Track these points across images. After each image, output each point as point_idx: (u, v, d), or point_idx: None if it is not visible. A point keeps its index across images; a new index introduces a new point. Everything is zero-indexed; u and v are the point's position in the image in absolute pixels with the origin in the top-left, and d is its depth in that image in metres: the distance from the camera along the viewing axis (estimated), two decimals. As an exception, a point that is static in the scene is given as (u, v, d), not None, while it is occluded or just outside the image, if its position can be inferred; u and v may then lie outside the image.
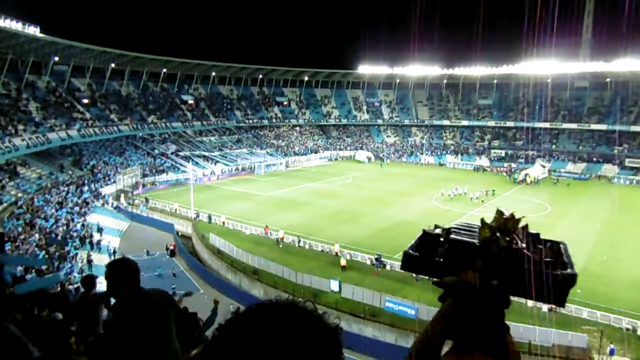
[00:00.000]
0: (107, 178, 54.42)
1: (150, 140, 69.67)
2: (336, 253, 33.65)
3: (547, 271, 1.31)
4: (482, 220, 1.49)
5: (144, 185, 55.86)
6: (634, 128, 74.52)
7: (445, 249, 1.45)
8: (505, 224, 1.46)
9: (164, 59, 73.93)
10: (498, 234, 1.42)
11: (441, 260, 1.45)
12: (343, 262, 31.41)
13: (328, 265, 32.11)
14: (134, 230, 44.22)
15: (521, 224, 1.53)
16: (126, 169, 57.12)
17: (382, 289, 27.74)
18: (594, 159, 74.14)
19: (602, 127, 78.07)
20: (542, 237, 1.59)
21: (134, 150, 65.31)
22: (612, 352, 21.17)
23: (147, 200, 49.86)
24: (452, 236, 1.46)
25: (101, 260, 34.06)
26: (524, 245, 1.39)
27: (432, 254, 1.46)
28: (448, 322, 1.40)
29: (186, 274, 35.24)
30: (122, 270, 2.83)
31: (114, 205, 49.34)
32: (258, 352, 0.91)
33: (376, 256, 31.78)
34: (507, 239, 1.39)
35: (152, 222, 45.66)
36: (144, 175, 58.26)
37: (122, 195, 51.84)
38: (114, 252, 35.98)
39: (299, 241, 36.24)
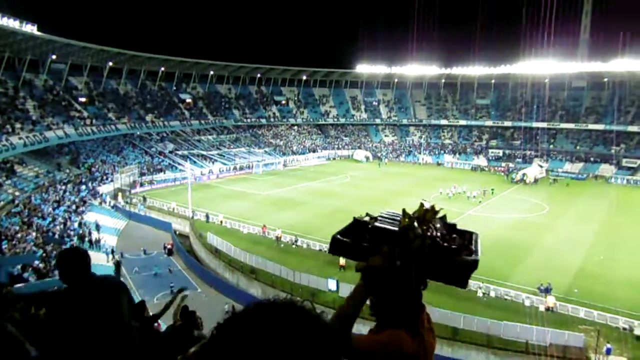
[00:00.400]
0: (104, 177, 54.30)
1: (148, 139, 69.56)
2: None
3: (453, 257, 1.45)
4: (404, 210, 1.66)
5: (141, 184, 55.79)
6: (631, 128, 74.73)
7: (369, 236, 1.59)
8: (424, 215, 1.60)
9: (162, 58, 73.78)
10: (415, 223, 1.55)
11: (365, 245, 1.58)
12: (342, 261, 31.40)
13: (326, 265, 32.11)
14: (132, 229, 44.15)
15: (439, 215, 1.67)
16: (124, 167, 57.02)
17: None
18: (591, 159, 74.33)
19: (600, 127, 78.27)
20: (459, 228, 1.77)
21: (131, 149, 65.20)
22: (608, 352, 21.23)
23: (144, 199, 49.78)
24: (376, 224, 1.60)
25: (99, 259, 34.00)
26: (437, 233, 1.52)
27: (358, 239, 1.60)
28: (360, 301, 1.57)
29: (184, 273, 35.23)
30: (72, 257, 2.93)
31: (112, 204, 49.24)
32: (256, 351, 0.91)
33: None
34: (424, 227, 1.51)
35: (150, 221, 45.59)
36: (142, 174, 58.17)
37: (120, 194, 51.74)
38: (112, 251, 35.93)
39: (296, 240, 36.25)
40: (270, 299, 1.03)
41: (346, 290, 27.68)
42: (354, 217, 1.65)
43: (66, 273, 2.91)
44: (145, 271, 34.33)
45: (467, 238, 1.71)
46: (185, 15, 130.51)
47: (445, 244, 1.50)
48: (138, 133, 68.71)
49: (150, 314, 7.47)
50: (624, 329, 23.36)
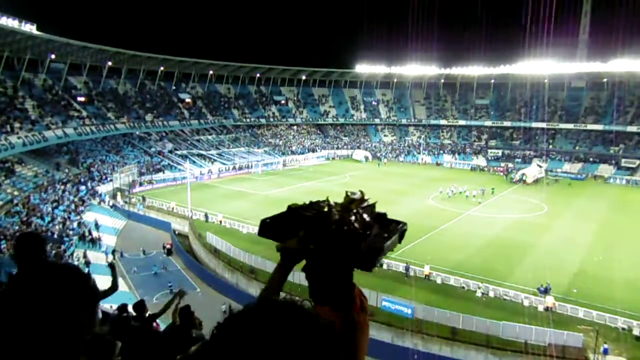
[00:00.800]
0: (103, 176, 54.28)
1: (147, 139, 69.52)
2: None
3: (359, 241, 1.54)
4: (327, 199, 1.81)
5: (140, 184, 55.76)
6: (630, 128, 74.79)
7: (291, 220, 1.74)
8: (349, 203, 1.74)
9: (161, 57, 73.74)
10: (333, 210, 1.69)
11: (287, 229, 1.74)
12: None
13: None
14: (131, 229, 44.13)
15: (368, 204, 1.81)
16: (123, 167, 57.00)
17: (379, 288, 27.76)
18: (591, 159, 74.39)
19: (599, 127, 78.35)
20: (389, 217, 1.88)
21: (130, 149, 65.16)
22: (605, 352, 21.26)
23: (143, 198, 49.75)
24: (300, 211, 1.73)
25: (98, 259, 34.00)
26: (353, 219, 1.62)
27: (284, 224, 1.73)
28: (278, 279, 1.71)
29: (183, 273, 35.21)
30: (27, 241, 2.94)
31: (111, 204, 49.21)
32: (257, 351, 0.92)
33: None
34: (345, 214, 1.65)
35: (149, 220, 45.57)
36: (141, 174, 58.14)
37: (119, 193, 51.72)
38: (113, 251, 35.91)
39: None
40: (269, 298, 1.07)
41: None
42: (288, 206, 1.76)
43: (20, 257, 2.92)
44: (144, 271, 34.31)
45: (390, 227, 1.80)
46: (185, 15, 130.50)
47: (352, 228, 1.60)
48: (137, 133, 68.67)
49: (149, 313, 7.47)
50: (623, 329, 23.40)
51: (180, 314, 6.18)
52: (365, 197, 1.86)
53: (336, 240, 1.61)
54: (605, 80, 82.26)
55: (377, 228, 1.80)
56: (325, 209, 1.74)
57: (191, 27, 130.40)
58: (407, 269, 30.86)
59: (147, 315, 7.30)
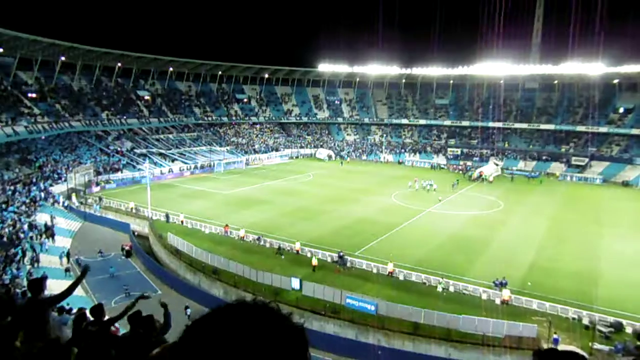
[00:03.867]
0: (57, 176, 52.03)
1: (105, 137, 67.16)
2: (297, 251, 33.66)
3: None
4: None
5: (97, 184, 53.84)
6: (579, 128, 78.58)
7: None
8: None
9: (119, 53, 71.40)
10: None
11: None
12: (314, 261, 31.34)
13: (289, 264, 32.08)
14: (87, 231, 42.58)
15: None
16: (78, 166, 54.79)
17: (343, 286, 27.98)
18: (543, 158, 77.67)
19: (551, 127, 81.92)
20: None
21: (86, 148, 62.73)
22: (556, 342, 22.25)
23: (100, 199, 48.07)
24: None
25: (50, 262, 32.61)
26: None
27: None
28: None
29: (143, 275, 34.26)
30: None
31: (65, 205, 47.27)
32: (225, 353, 0.91)
33: (339, 254, 31.98)
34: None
35: (107, 221, 44.10)
36: (98, 174, 56.15)
37: (74, 194, 49.75)
38: (67, 254, 34.48)
39: (258, 239, 35.99)
40: (238, 300, 1.03)
41: (309, 289, 27.82)
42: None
43: None
44: (102, 274, 33.17)
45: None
46: (144, 10, 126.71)
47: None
48: (93, 131, 66.21)
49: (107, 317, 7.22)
50: (574, 318, 24.56)
51: (129, 320, 5.99)
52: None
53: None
54: (556, 82, 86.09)
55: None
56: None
57: (150, 23, 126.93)
58: (340, 257, 31.64)
59: (107, 319, 7.06)
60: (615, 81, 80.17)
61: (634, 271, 30.65)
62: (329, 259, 32.39)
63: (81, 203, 48.14)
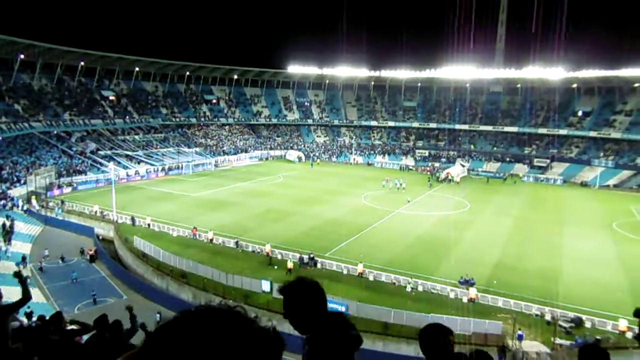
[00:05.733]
0: (16, 179, 49.98)
1: (67, 139, 64.96)
2: (267, 253, 33.46)
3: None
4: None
5: (59, 187, 52.01)
6: (541, 130, 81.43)
7: None
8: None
9: (81, 52, 69.27)
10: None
11: None
12: (290, 264, 31.12)
13: (259, 266, 31.85)
14: (48, 235, 41.02)
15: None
16: (39, 169, 52.79)
17: (314, 287, 27.94)
18: (507, 159, 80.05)
19: (514, 129, 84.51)
20: None
21: (48, 149, 60.52)
22: (520, 338, 22.96)
23: (62, 202, 46.46)
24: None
25: (8, 268, 31.26)
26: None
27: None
28: None
29: (108, 280, 33.27)
30: None
31: (25, 209, 45.44)
32: (191, 356, 0.90)
33: (310, 255, 31.96)
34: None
35: (69, 225, 42.62)
36: (60, 176, 54.25)
37: (34, 197, 47.91)
38: (24, 258, 33.14)
39: (237, 243, 35.56)
40: (202, 305, 1.02)
41: (280, 290, 27.65)
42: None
43: None
44: (64, 280, 32.05)
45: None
46: (108, 8, 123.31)
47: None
48: (55, 132, 63.95)
49: (71, 326, 6.97)
50: (537, 315, 25.39)
51: (95, 325, 5.82)
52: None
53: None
54: (519, 86, 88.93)
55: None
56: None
57: (115, 21, 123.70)
58: (302, 259, 31.71)
59: (68, 328, 6.82)
60: (574, 85, 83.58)
61: (593, 269, 31.97)
62: (293, 258, 32.28)
63: (42, 207, 46.41)
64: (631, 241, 38.87)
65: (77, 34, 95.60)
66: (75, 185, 53.95)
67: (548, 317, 24.79)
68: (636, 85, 77.03)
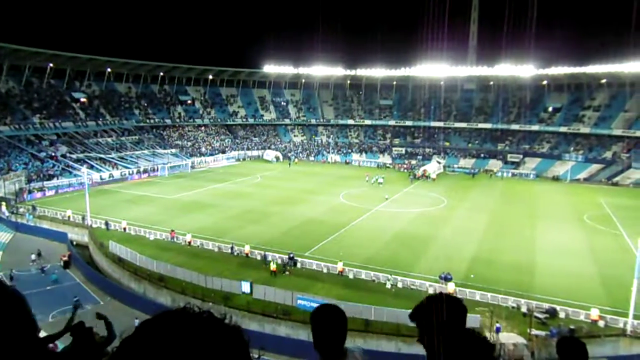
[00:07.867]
0: (-17, 185, 48.35)
1: (37, 142, 63.14)
2: (247, 254, 33.25)
3: None
4: None
5: (30, 192, 50.53)
6: (514, 126, 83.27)
7: None
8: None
9: (50, 53, 67.45)
10: None
11: None
12: (273, 266, 30.88)
13: (239, 267, 31.64)
14: (20, 242, 39.77)
15: None
16: (7, 174, 51.16)
17: (294, 287, 27.97)
18: (482, 155, 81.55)
19: (488, 125, 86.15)
20: None
21: (17, 153, 58.70)
22: (498, 330, 23.43)
23: (34, 207, 45.17)
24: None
25: (-21, 277, 30.18)
26: None
27: None
28: None
29: (83, 286, 32.49)
30: None
31: (-6, 215, 44.02)
32: (165, 357, 0.91)
33: (289, 255, 31.90)
34: None
35: (41, 231, 41.43)
36: (30, 181, 52.71)
37: (4, 203, 46.42)
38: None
39: (220, 245, 35.20)
40: (164, 310, 1.03)
41: (260, 292, 27.58)
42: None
43: None
44: (39, 287, 31.15)
45: None
46: (77, 8, 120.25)
47: None
48: (24, 135, 62.07)
49: (45, 333, 6.78)
50: (513, 307, 25.97)
51: (72, 332, 5.67)
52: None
53: None
54: (492, 83, 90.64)
55: None
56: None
57: (85, 21, 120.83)
58: (291, 258, 31.72)
59: (44, 336, 6.63)
60: (544, 82, 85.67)
61: (565, 260, 32.86)
62: (279, 261, 32.18)
63: (12, 213, 45.04)
64: (601, 233, 40.12)
65: (45, 34, 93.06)
66: (46, 189, 52.49)
67: (524, 309, 25.37)
68: (603, 81, 79.47)
